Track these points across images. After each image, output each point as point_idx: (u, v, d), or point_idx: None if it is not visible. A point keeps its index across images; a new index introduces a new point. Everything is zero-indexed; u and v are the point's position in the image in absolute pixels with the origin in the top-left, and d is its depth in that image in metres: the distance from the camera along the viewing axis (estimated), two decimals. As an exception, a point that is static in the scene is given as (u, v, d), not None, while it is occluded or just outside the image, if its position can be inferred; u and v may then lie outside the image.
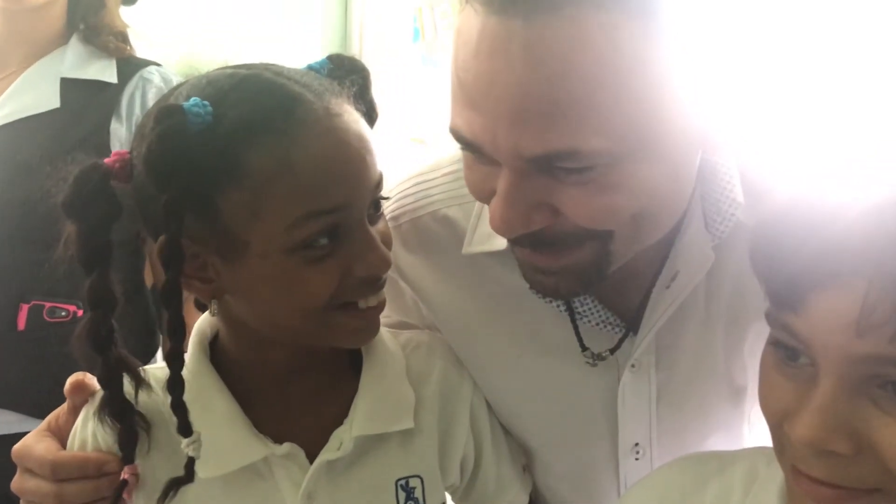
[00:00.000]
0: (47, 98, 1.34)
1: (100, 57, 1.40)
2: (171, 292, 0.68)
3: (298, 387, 0.79)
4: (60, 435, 0.79)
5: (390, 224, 0.81)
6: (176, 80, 1.38)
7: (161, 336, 1.48)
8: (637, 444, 0.87)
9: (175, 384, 0.71)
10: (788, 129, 0.83)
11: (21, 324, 1.30)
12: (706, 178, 0.78)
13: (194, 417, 0.72)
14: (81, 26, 1.41)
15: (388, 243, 0.75)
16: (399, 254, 0.86)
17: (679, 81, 0.65)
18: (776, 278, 0.56)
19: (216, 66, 0.73)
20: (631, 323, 0.84)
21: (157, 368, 0.78)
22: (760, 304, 0.59)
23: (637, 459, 0.88)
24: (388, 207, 0.86)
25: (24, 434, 0.78)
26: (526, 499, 0.92)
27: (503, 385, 0.87)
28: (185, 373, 0.72)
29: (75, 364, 0.74)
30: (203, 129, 0.66)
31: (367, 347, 0.81)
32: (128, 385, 0.74)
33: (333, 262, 0.70)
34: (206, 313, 0.79)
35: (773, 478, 0.66)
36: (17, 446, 0.76)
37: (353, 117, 0.72)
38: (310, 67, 0.75)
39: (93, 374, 0.76)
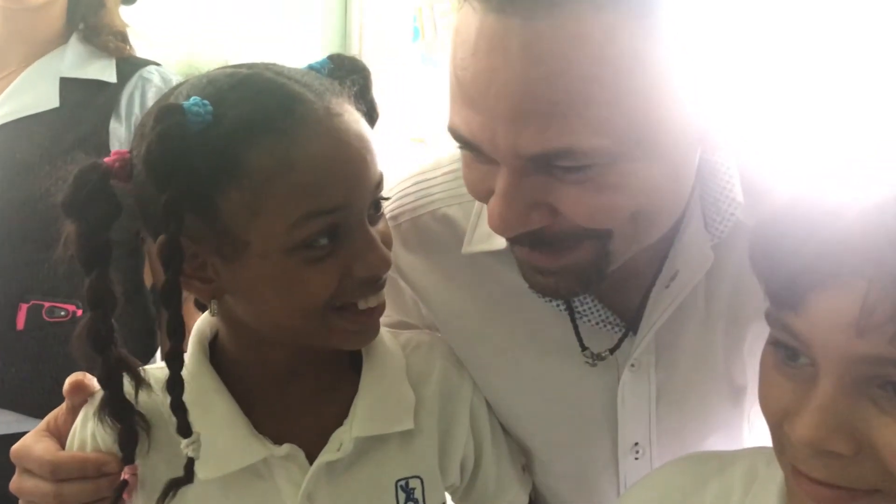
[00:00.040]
0: (47, 97, 1.34)
1: (99, 56, 1.40)
2: (170, 292, 0.68)
3: (298, 387, 0.79)
4: (59, 435, 0.78)
5: (390, 223, 0.80)
6: (176, 80, 1.37)
7: (160, 336, 1.48)
8: (637, 444, 0.87)
9: (174, 384, 0.71)
10: (788, 129, 0.83)
11: (20, 323, 1.30)
12: (705, 178, 0.77)
13: (194, 418, 0.72)
14: (81, 26, 1.41)
15: (388, 243, 0.75)
16: (399, 253, 0.86)
17: (678, 80, 0.64)
18: (776, 278, 0.55)
19: (216, 66, 0.73)
20: (631, 322, 0.84)
21: (156, 368, 0.78)
22: (760, 304, 0.59)
23: (637, 459, 0.88)
24: (387, 207, 0.86)
25: (23, 434, 0.78)
26: (526, 499, 0.92)
27: (503, 385, 0.87)
28: (184, 373, 0.72)
29: (74, 364, 0.74)
30: (203, 129, 0.66)
31: (368, 348, 0.80)
32: (128, 385, 0.74)
33: (333, 263, 0.70)
34: (206, 313, 0.79)
35: (773, 478, 0.66)
36: (15, 446, 0.76)
37: (353, 117, 0.72)
38: (310, 67, 0.75)
39: (93, 373, 0.76)
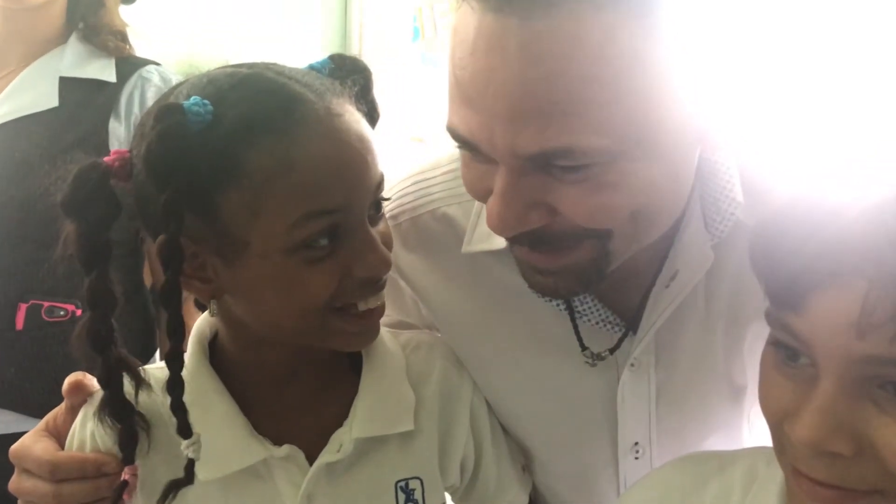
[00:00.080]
0: (46, 97, 1.34)
1: (99, 56, 1.40)
2: (170, 292, 0.68)
3: (298, 388, 0.79)
4: (58, 435, 0.78)
5: (389, 223, 0.80)
6: (175, 80, 1.37)
7: (159, 335, 1.47)
8: (636, 444, 0.87)
9: (175, 385, 0.71)
10: (788, 129, 0.83)
11: (19, 323, 1.30)
12: (705, 177, 0.77)
13: (193, 418, 0.72)
14: (81, 25, 1.41)
15: (388, 244, 0.75)
16: (398, 253, 0.86)
17: (678, 80, 0.64)
18: (776, 278, 0.55)
19: (216, 66, 0.73)
20: (631, 322, 0.84)
21: (156, 368, 0.78)
22: (760, 304, 0.59)
23: (636, 459, 0.88)
24: (387, 206, 0.86)
25: (22, 434, 0.78)
26: (526, 499, 0.92)
27: (502, 384, 0.87)
28: (183, 373, 0.72)
29: (74, 363, 0.74)
30: (203, 129, 0.65)
31: (368, 348, 0.80)
32: (127, 385, 0.73)
33: (333, 263, 0.70)
34: (205, 313, 0.79)
35: (773, 478, 0.66)
36: (15, 446, 0.76)
37: (354, 117, 0.71)
38: (311, 67, 0.75)
39: (92, 373, 0.76)
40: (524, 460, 0.92)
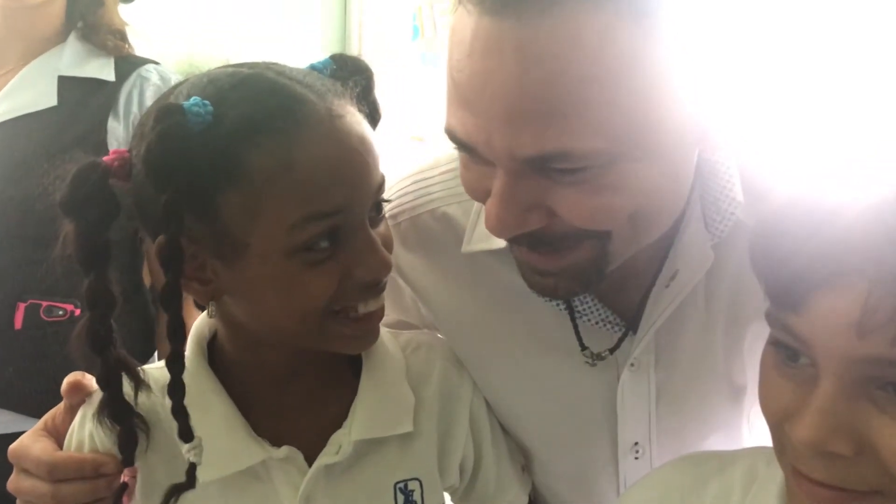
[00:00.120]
0: (45, 96, 1.34)
1: (98, 55, 1.40)
2: (170, 294, 0.67)
3: (297, 389, 0.79)
4: (57, 434, 0.78)
5: (389, 222, 0.80)
6: (175, 79, 1.37)
7: (158, 335, 1.47)
8: (636, 444, 0.87)
9: (176, 389, 0.70)
10: (788, 129, 0.83)
11: (18, 323, 1.30)
12: (705, 177, 0.77)
13: (192, 419, 0.72)
14: (80, 24, 1.41)
15: (388, 246, 0.75)
16: (398, 252, 0.86)
17: (676, 80, 0.64)
18: (776, 278, 0.55)
19: (216, 65, 0.73)
20: (630, 322, 0.84)
21: (155, 369, 0.78)
22: (760, 304, 0.58)
23: (636, 459, 0.88)
24: (386, 206, 0.86)
25: (20, 434, 0.78)
26: (525, 499, 0.92)
27: (502, 384, 0.87)
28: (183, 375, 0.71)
29: (73, 363, 0.74)
30: (203, 129, 0.65)
31: (367, 349, 0.80)
32: (126, 386, 0.73)
33: (333, 265, 0.69)
34: (204, 314, 0.79)
35: (773, 478, 0.66)
36: (13, 446, 0.76)
37: (355, 119, 0.71)
38: (312, 67, 0.75)
39: (92, 374, 0.76)
40: (524, 460, 0.92)
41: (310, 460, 0.77)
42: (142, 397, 0.74)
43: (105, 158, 0.70)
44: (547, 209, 0.67)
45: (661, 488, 0.74)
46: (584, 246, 0.69)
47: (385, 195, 0.75)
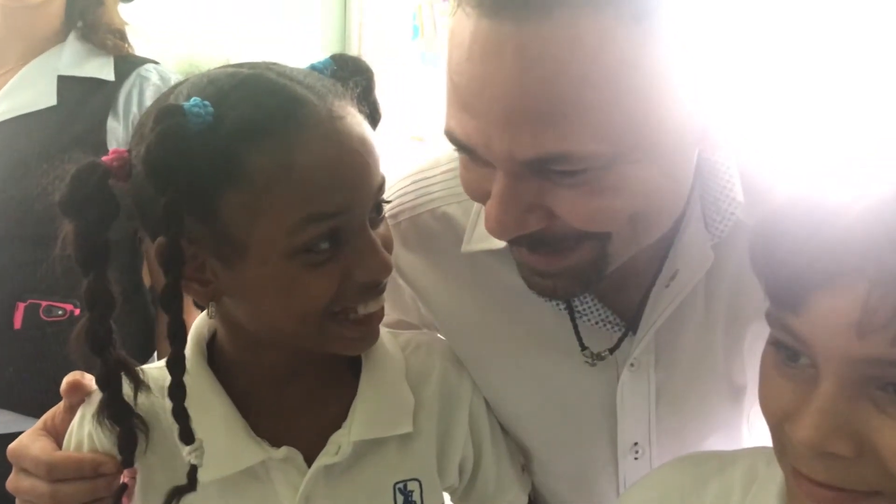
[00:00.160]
0: (44, 95, 1.34)
1: (97, 54, 1.40)
2: (171, 296, 0.67)
3: (296, 389, 0.79)
4: (56, 434, 0.78)
5: (389, 222, 0.80)
6: (174, 78, 1.37)
7: (157, 335, 1.47)
8: (636, 444, 0.87)
9: (177, 391, 0.70)
10: (788, 128, 0.83)
11: (17, 322, 1.30)
12: (705, 177, 0.77)
13: (191, 420, 0.72)
14: (79, 23, 1.41)
15: (388, 247, 0.75)
16: (398, 252, 0.86)
17: (675, 81, 0.64)
18: (776, 278, 0.55)
19: (216, 65, 0.72)
20: (630, 322, 0.84)
21: (153, 368, 0.78)
22: (760, 304, 0.58)
23: (636, 459, 0.88)
24: (386, 205, 0.86)
25: (19, 433, 0.78)
26: (525, 499, 0.92)
27: (502, 384, 0.87)
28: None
29: (72, 363, 0.74)
30: (203, 130, 0.65)
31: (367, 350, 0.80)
32: (126, 387, 0.73)
33: (334, 267, 0.69)
34: (203, 314, 0.78)
35: (773, 478, 0.66)
36: (12, 445, 0.76)
37: (356, 120, 0.71)
38: (313, 67, 0.74)
39: (91, 374, 0.76)
40: (523, 460, 0.92)
41: (309, 461, 0.76)
42: (141, 398, 0.74)
43: (104, 158, 0.70)
44: (547, 211, 0.67)
45: (661, 488, 0.74)
46: (583, 247, 0.69)
47: (385, 195, 0.75)
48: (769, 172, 0.74)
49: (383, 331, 0.80)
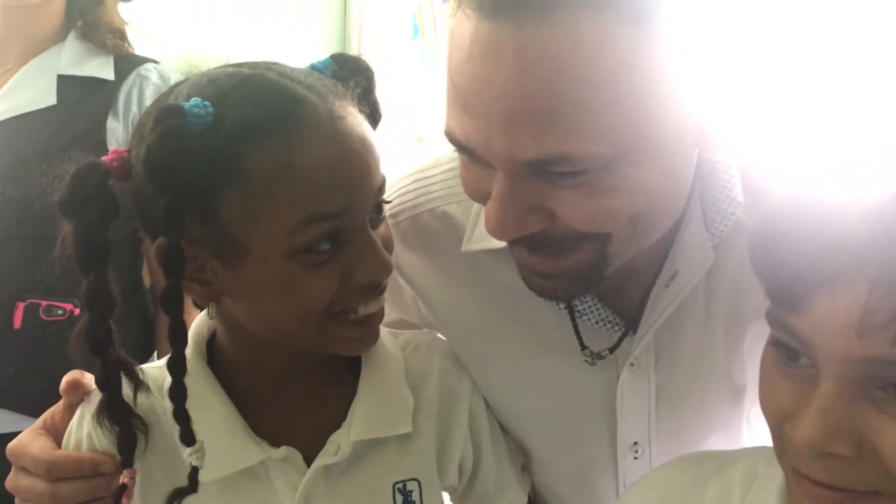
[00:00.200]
0: (44, 95, 1.34)
1: (97, 54, 1.40)
2: (171, 297, 0.67)
3: (296, 389, 0.79)
4: (56, 433, 0.78)
5: (389, 221, 0.80)
6: (174, 78, 1.37)
7: (157, 334, 1.47)
8: (636, 444, 0.87)
9: (177, 393, 0.70)
10: (789, 129, 0.83)
11: (17, 322, 1.30)
12: (706, 177, 0.77)
13: (192, 421, 0.72)
14: (79, 23, 1.41)
15: (389, 247, 0.74)
16: (398, 251, 0.86)
17: (675, 82, 0.64)
18: (776, 278, 0.55)
19: (216, 65, 0.72)
20: (630, 322, 0.84)
21: (153, 368, 0.78)
22: (760, 304, 0.58)
23: (636, 459, 0.88)
24: (387, 205, 0.86)
25: (19, 433, 0.78)
26: (525, 499, 0.92)
27: (502, 384, 0.87)
28: None
29: (71, 362, 0.74)
30: (204, 130, 0.65)
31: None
32: (125, 387, 0.73)
33: (334, 267, 0.69)
34: (203, 314, 0.78)
35: (773, 478, 0.66)
36: (11, 444, 0.76)
37: (356, 120, 0.71)
38: (313, 67, 0.74)
39: (91, 373, 0.76)
40: (523, 460, 0.92)
41: (309, 461, 0.76)
42: (140, 397, 0.74)
43: (104, 158, 0.69)
44: (547, 212, 0.67)
45: (661, 488, 0.74)
46: (583, 248, 0.69)
47: (385, 195, 0.75)
48: (769, 173, 0.74)
49: (383, 331, 0.80)
